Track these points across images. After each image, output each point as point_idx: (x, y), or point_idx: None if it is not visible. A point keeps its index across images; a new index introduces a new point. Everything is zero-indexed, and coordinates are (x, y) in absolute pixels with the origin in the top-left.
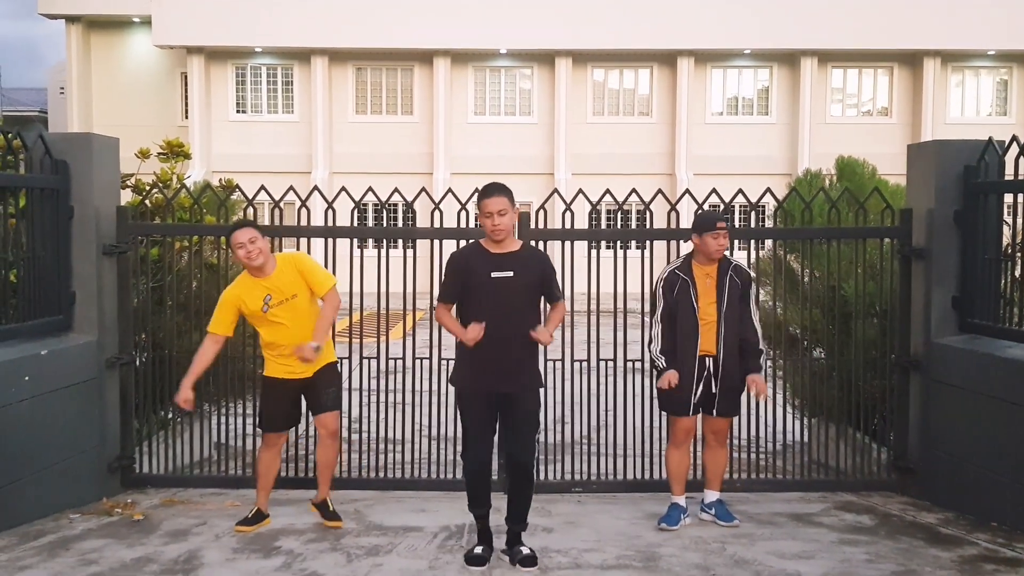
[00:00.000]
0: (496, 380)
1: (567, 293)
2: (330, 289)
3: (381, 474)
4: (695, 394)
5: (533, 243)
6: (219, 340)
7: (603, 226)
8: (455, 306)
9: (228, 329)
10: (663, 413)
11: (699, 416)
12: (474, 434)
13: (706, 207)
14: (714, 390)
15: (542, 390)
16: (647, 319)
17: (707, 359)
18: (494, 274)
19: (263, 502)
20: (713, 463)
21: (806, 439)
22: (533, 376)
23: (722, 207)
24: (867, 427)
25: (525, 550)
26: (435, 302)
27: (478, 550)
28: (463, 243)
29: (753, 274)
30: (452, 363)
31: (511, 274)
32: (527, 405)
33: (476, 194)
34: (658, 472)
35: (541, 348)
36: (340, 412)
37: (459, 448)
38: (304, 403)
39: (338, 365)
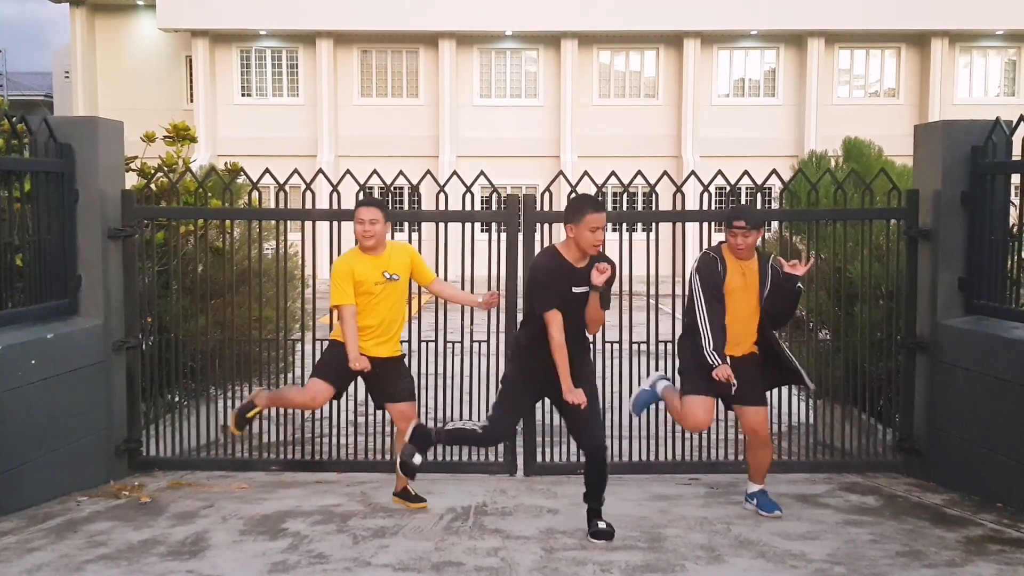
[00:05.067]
0: (553, 379)
1: None
2: (436, 278)
3: (387, 456)
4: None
5: (538, 226)
6: (353, 310)
7: (609, 208)
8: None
9: (354, 298)
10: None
11: (714, 407)
12: (508, 408)
13: (712, 189)
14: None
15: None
16: (651, 302)
17: (727, 358)
18: (575, 289)
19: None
20: (756, 461)
21: (811, 420)
22: (589, 372)
23: (728, 189)
24: (872, 408)
25: (601, 524)
26: (544, 313)
27: (418, 459)
28: (467, 226)
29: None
30: (457, 346)
31: (586, 289)
32: (587, 398)
33: (478, 177)
34: (664, 454)
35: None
36: (416, 403)
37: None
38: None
39: (405, 359)
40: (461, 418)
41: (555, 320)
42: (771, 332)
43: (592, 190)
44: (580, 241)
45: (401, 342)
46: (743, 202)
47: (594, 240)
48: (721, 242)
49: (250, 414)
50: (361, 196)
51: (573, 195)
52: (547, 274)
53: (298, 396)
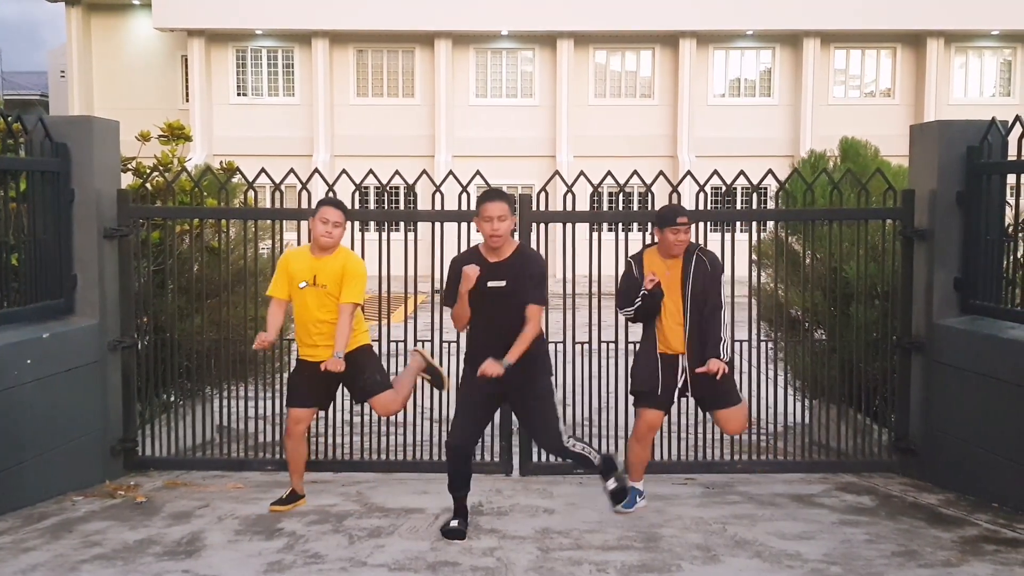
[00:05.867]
0: (497, 380)
1: (568, 276)
2: (351, 304)
3: (383, 456)
4: (665, 389)
5: (534, 226)
6: (279, 303)
7: (605, 208)
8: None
9: (284, 293)
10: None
11: (664, 413)
12: (462, 416)
13: (708, 189)
14: (689, 391)
15: (552, 378)
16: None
17: (679, 357)
18: (489, 283)
19: (297, 484)
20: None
21: (807, 420)
22: (534, 371)
23: (724, 189)
24: (868, 408)
25: (610, 484)
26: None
27: (454, 523)
28: (463, 225)
29: (723, 259)
30: (453, 345)
31: (503, 284)
32: (534, 398)
33: (474, 177)
34: (659, 454)
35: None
36: (390, 390)
37: None
38: (343, 389)
39: (373, 347)
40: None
41: (455, 314)
42: (709, 334)
43: (588, 190)
44: (481, 232)
45: (372, 339)
46: (739, 202)
47: (489, 230)
48: (646, 246)
49: (287, 495)
50: (357, 195)
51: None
52: (452, 269)
53: (288, 438)
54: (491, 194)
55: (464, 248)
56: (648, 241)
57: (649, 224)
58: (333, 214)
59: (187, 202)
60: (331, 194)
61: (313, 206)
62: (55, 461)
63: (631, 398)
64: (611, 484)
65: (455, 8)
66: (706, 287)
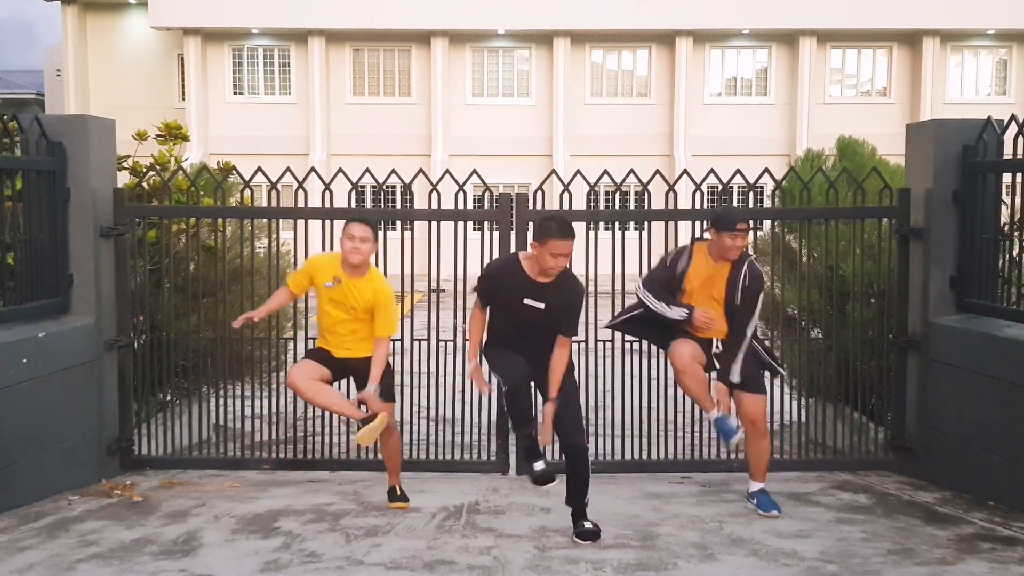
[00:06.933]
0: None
1: None
2: (387, 337)
3: (380, 455)
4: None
5: (531, 225)
6: (290, 295)
7: (601, 207)
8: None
9: (300, 289)
10: (662, 391)
11: (698, 347)
12: (508, 362)
13: (704, 188)
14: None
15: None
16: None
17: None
18: (527, 300)
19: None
20: (755, 455)
21: (804, 419)
22: (568, 374)
23: (720, 188)
24: (864, 407)
25: (587, 524)
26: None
27: (539, 465)
28: (460, 224)
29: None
30: (450, 344)
31: (543, 306)
32: (568, 399)
33: (471, 176)
34: (656, 453)
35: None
36: (393, 404)
37: (457, 430)
38: (349, 384)
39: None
40: (453, 419)
41: (476, 314)
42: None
43: (584, 189)
44: (541, 261)
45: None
46: (735, 201)
47: (553, 265)
48: (697, 239)
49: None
50: (354, 194)
51: (548, 219)
52: (490, 272)
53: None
54: (563, 230)
55: (485, 253)
56: (696, 236)
57: (646, 223)
58: (360, 230)
59: (183, 201)
60: (327, 193)
61: (307, 205)
62: (51, 460)
63: (629, 397)
64: (587, 524)
65: (451, 7)
66: (744, 300)
